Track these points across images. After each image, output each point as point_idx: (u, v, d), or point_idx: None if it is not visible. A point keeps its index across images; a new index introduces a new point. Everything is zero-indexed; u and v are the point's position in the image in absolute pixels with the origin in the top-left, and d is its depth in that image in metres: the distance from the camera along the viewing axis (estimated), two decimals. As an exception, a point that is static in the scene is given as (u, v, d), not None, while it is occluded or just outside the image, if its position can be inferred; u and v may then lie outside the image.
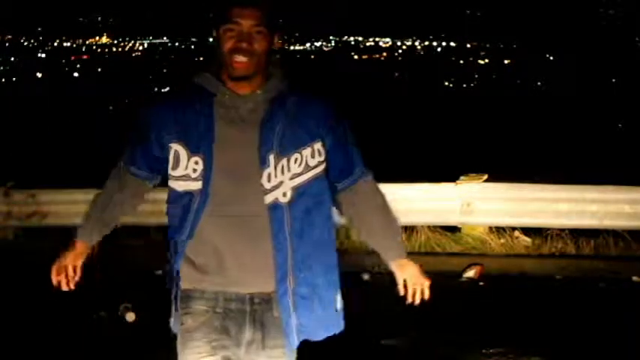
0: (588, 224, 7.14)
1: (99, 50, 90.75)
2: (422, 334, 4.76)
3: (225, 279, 2.11)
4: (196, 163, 2.06)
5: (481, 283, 6.07)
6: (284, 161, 2.07)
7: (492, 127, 22.12)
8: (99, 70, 67.47)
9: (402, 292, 2.20)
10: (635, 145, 14.96)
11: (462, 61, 73.31)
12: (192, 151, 2.07)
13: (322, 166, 2.13)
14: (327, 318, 2.20)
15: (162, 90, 50.63)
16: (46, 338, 5.06)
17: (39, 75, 64.02)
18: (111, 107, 40.34)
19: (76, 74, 62.45)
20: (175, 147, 2.09)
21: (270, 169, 2.06)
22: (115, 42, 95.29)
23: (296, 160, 2.08)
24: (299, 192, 2.09)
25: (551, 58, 66.85)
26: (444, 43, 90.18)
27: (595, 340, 4.61)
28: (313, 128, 2.11)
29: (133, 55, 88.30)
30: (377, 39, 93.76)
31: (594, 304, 5.36)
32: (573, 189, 7.27)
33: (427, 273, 2.27)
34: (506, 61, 69.35)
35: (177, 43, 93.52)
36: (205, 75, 2.12)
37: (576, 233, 7.21)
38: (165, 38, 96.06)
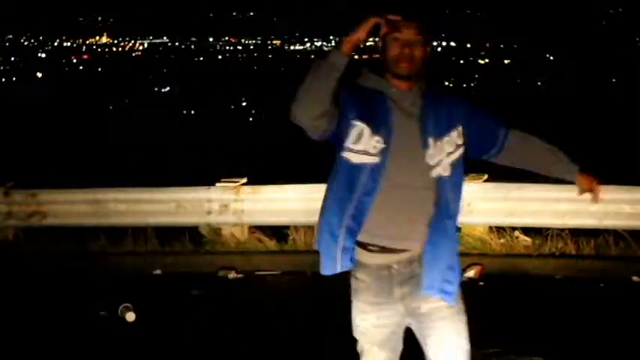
0: (588, 224, 7.14)
1: (99, 50, 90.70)
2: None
3: (389, 240, 2.57)
4: (377, 142, 2.51)
5: (481, 283, 6.07)
6: (439, 143, 2.55)
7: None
8: (99, 69, 67.43)
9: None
10: (635, 145, 14.96)
11: (462, 61, 73.24)
12: (374, 131, 2.51)
13: (463, 148, 2.62)
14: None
15: (163, 90, 50.55)
16: (47, 338, 5.06)
17: (39, 75, 63.95)
18: (111, 107, 40.35)
19: (69, 77, 62.27)
20: (360, 125, 2.51)
21: (431, 150, 2.54)
22: (115, 42, 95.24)
23: (448, 141, 2.57)
24: (454, 167, 2.58)
25: (552, 58, 66.78)
26: (444, 43, 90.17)
27: (595, 340, 4.61)
28: (453, 115, 2.61)
29: (133, 55, 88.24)
30: (376, 39, 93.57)
31: (594, 304, 5.36)
32: (573, 189, 7.23)
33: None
34: (506, 61, 69.28)
35: (177, 43, 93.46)
36: (372, 77, 2.60)
37: (576, 233, 7.20)
38: (165, 38, 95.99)
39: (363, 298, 2.64)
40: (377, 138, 2.51)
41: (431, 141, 2.54)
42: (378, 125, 2.52)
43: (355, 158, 2.52)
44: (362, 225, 2.55)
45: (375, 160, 2.51)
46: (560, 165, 2.78)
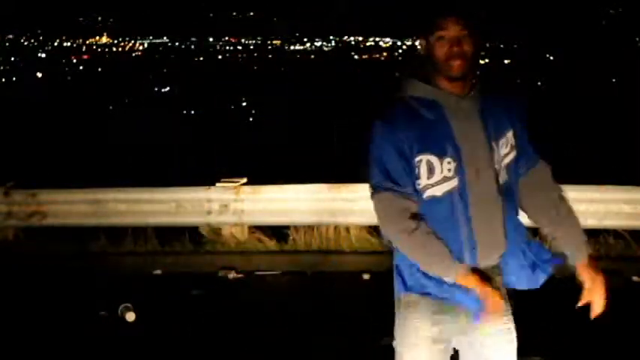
0: (588, 224, 7.12)
1: (99, 50, 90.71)
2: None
3: (474, 258, 2.37)
4: (449, 162, 2.30)
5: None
6: (499, 145, 2.36)
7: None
8: (99, 69, 67.42)
9: (579, 304, 2.57)
10: (635, 145, 14.95)
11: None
12: (441, 154, 2.29)
13: (515, 150, 2.41)
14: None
15: (163, 90, 50.54)
16: (47, 338, 5.07)
17: (39, 75, 63.95)
18: (111, 107, 40.33)
19: (69, 77, 62.25)
20: (424, 157, 2.30)
21: (495, 153, 2.35)
22: (115, 42, 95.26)
23: (504, 143, 2.38)
24: (510, 170, 2.40)
25: (552, 58, 66.81)
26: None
27: (595, 340, 4.60)
28: (507, 116, 2.40)
29: (133, 55, 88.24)
30: (377, 39, 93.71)
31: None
32: (573, 189, 7.23)
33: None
34: (506, 61, 69.33)
35: (177, 43, 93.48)
36: (420, 85, 2.36)
37: (576, 233, 7.18)
38: (165, 38, 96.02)
39: (421, 313, 2.42)
40: (447, 159, 2.29)
41: (494, 144, 2.35)
42: (442, 145, 2.30)
43: (438, 191, 2.30)
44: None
45: (455, 181, 2.30)
46: (570, 235, 2.58)
